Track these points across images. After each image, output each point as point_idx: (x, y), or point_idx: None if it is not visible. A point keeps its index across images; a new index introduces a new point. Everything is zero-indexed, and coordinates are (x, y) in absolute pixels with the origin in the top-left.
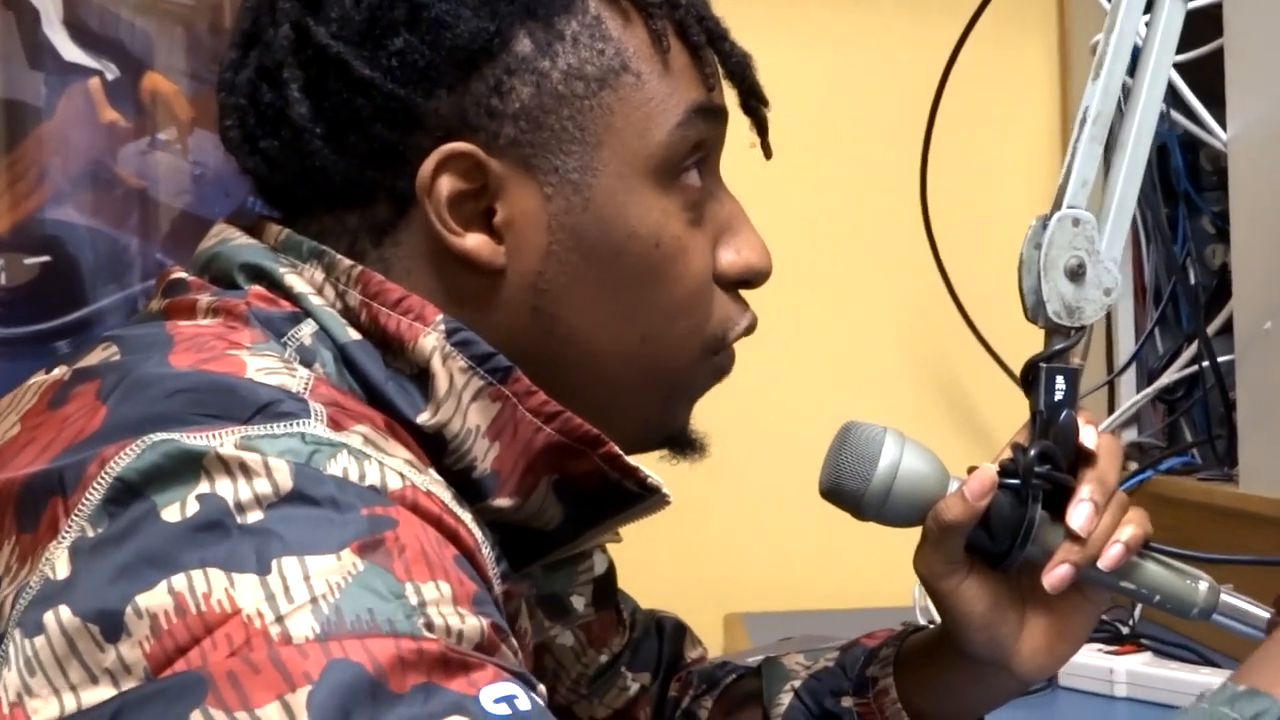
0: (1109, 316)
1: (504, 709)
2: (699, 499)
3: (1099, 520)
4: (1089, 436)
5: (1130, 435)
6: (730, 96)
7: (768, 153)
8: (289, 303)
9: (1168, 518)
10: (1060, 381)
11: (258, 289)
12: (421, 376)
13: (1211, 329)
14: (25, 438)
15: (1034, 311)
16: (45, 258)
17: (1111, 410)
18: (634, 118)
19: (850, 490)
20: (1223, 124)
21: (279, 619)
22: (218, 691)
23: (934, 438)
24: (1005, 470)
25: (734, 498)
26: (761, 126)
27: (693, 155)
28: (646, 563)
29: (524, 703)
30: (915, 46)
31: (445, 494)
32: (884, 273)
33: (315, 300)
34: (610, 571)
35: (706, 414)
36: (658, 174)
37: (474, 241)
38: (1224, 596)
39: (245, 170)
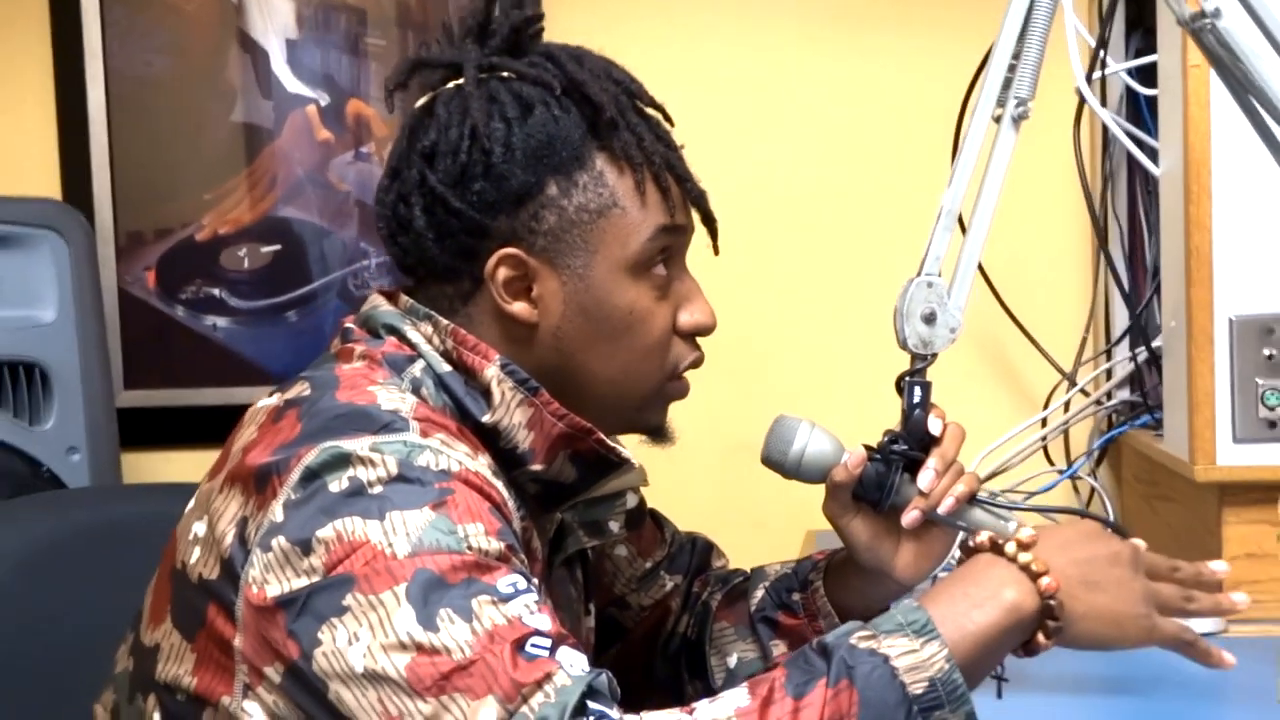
0: (1106, 293)
1: (512, 589)
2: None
3: (939, 481)
4: (934, 426)
5: (1123, 394)
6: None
7: (716, 251)
8: (409, 348)
9: (1144, 464)
10: (918, 390)
11: (392, 339)
12: (486, 393)
13: None
14: (260, 439)
15: (901, 343)
16: (277, 246)
17: (1109, 375)
18: (619, 235)
19: (775, 460)
20: None
21: (390, 545)
22: (359, 584)
23: (974, 395)
24: (879, 448)
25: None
26: (714, 236)
27: (660, 255)
28: (745, 487)
29: (522, 584)
30: (944, 57)
31: (487, 472)
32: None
33: (425, 347)
34: (640, 505)
35: (794, 359)
36: (633, 269)
37: (518, 307)
38: (1024, 531)
39: (389, 254)
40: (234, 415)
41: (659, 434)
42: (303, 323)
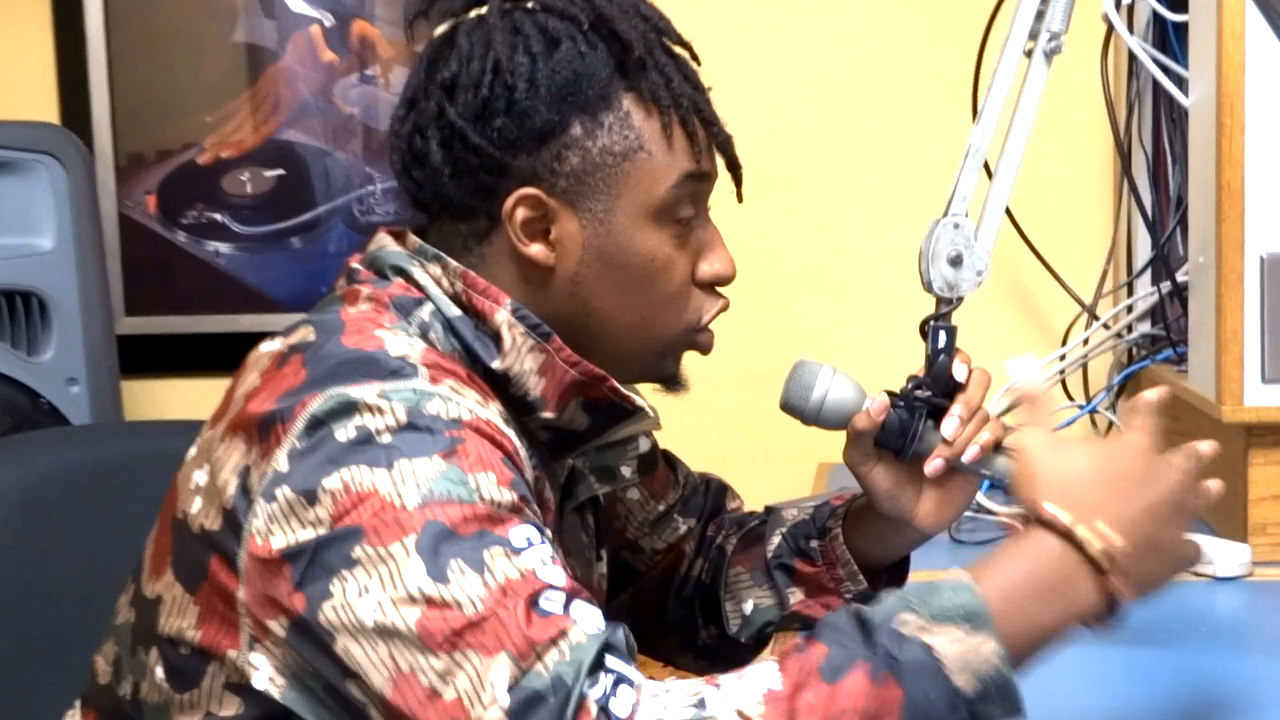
0: (1129, 224)
1: (525, 541)
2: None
3: (963, 429)
4: (960, 371)
5: (1144, 328)
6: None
7: (740, 198)
8: (417, 290)
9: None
10: (943, 335)
11: (399, 281)
12: (496, 337)
13: None
14: (263, 386)
15: (926, 286)
16: (280, 171)
17: (1130, 310)
18: (644, 180)
19: (795, 406)
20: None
21: (399, 495)
22: (368, 535)
23: (991, 328)
24: (902, 394)
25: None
26: (738, 183)
27: (684, 203)
28: (758, 422)
29: (536, 537)
30: None
31: (499, 420)
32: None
33: (434, 289)
34: (653, 448)
35: (803, 307)
36: (656, 216)
37: (535, 249)
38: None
39: (403, 188)
40: (236, 343)
41: (672, 383)
42: (306, 249)
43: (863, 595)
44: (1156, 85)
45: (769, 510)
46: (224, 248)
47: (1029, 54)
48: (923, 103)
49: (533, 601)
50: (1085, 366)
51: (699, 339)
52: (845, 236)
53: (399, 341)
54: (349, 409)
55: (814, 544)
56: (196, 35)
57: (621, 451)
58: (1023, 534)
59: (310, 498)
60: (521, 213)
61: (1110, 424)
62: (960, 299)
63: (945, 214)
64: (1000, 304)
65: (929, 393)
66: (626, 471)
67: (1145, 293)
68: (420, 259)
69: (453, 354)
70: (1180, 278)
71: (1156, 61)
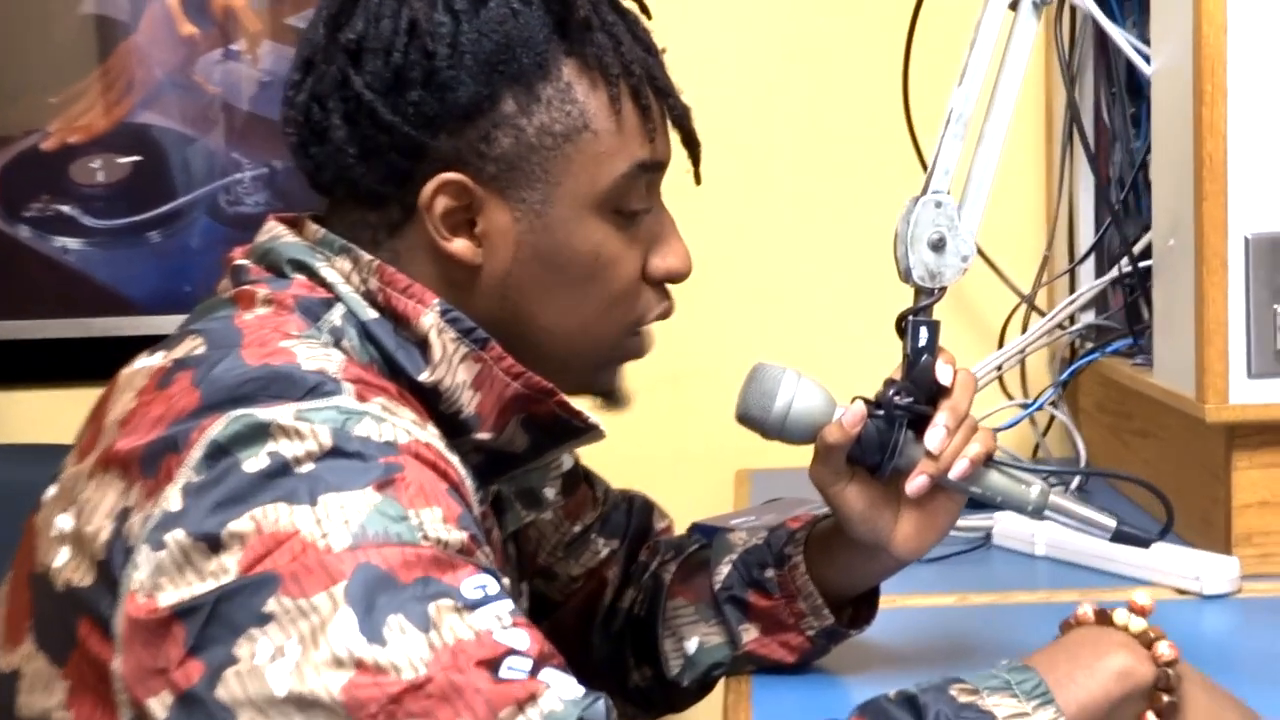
0: (1071, 209)
1: (479, 594)
2: (714, 368)
3: (949, 441)
4: (944, 374)
5: (1088, 318)
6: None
7: (698, 180)
8: (324, 290)
9: (1115, 394)
10: (924, 331)
11: (300, 279)
12: (422, 344)
13: None
14: (142, 411)
15: (904, 275)
16: (137, 157)
17: (1072, 293)
18: (587, 165)
19: (755, 418)
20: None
21: (324, 535)
22: (285, 585)
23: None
24: (878, 402)
25: (744, 366)
26: (696, 161)
27: (635, 192)
28: (669, 426)
29: (492, 586)
30: None
31: (439, 444)
32: (873, 179)
33: (344, 288)
34: (576, 466)
35: (725, 297)
36: (600, 207)
37: (459, 245)
38: (1051, 498)
39: (299, 168)
40: (88, 349)
41: (612, 397)
42: (166, 244)
43: (827, 632)
44: (1100, 53)
45: (701, 530)
46: (73, 243)
47: (1014, 6)
48: (853, 75)
49: (491, 668)
50: (1023, 363)
51: (632, 343)
52: (772, 214)
53: (312, 352)
54: (259, 433)
55: (770, 574)
56: (38, 6)
57: (545, 472)
58: None
59: (212, 543)
60: (442, 202)
61: (1050, 420)
62: (943, 289)
63: (924, 190)
64: (864, 300)
65: (910, 399)
66: (550, 494)
67: (1096, 282)
68: (325, 251)
69: (370, 365)
70: (1136, 264)
71: (1099, 25)
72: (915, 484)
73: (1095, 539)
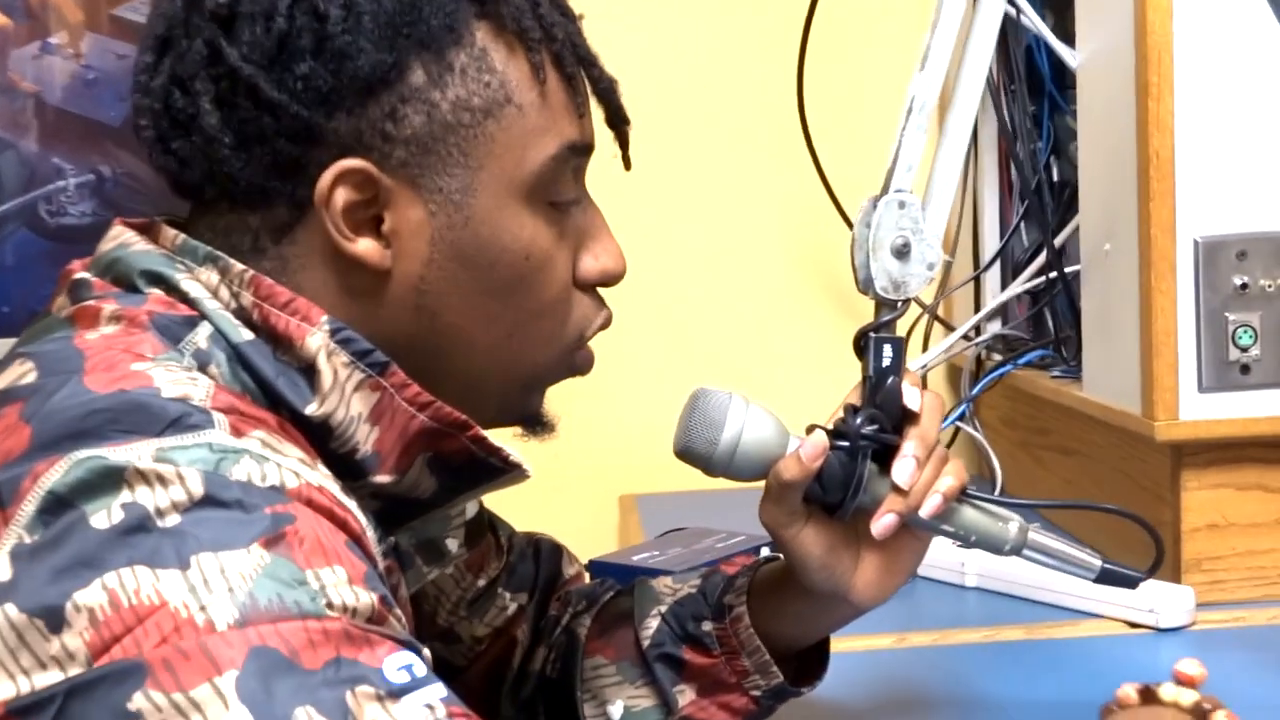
0: (975, 213)
1: (404, 676)
2: (595, 386)
3: (920, 474)
4: (912, 398)
5: (994, 328)
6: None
7: (628, 165)
8: (186, 306)
9: (1027, 408)
10: (887, 349)
11: (156, 294)
12: (309, 370)
13: (1070, 227)
14: None
15: (864, 285)
16: None
17: (978, 305)
18: (513, 146)
19: (700, 453)
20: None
21: (202, 608)
22: (155, 676)
23: (817, 328)
24: (838, 431)
25: (628, 384)
26: (624, 143)
27: (564, 178)
28: (546, 447)
29: (419, 667)
30: None
31: (334, 487)
32: (765, 176)
33: (210, 304)
34: (480, 513)
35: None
36: (530, 196)
37: (363, 246)
38: (1031, 535)
39: (158, 167)
40: None
41: (537, 423)
42: None
43: (774, 692)
44: (999, 45)
45: (606, 571)
46: None
47: None
48: (747, 72)
49: None
50: (924, 377)
51: (577, 359)
52: (658, 217)
53: (174, 377)
54: (109, 480)
55: (708, 627)
56: None
57: (446, 520)
58: None
59: (52, 619)
60: (342, 195)
61: (956, 432)
62: (907, 302)
63: (886, 189)
64: (818, 309)
65: (876, 426)
66: (453, 545)
67: (1013, 288)
68: (186, 261)
69: (244, 396)
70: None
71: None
72: (882, 524)
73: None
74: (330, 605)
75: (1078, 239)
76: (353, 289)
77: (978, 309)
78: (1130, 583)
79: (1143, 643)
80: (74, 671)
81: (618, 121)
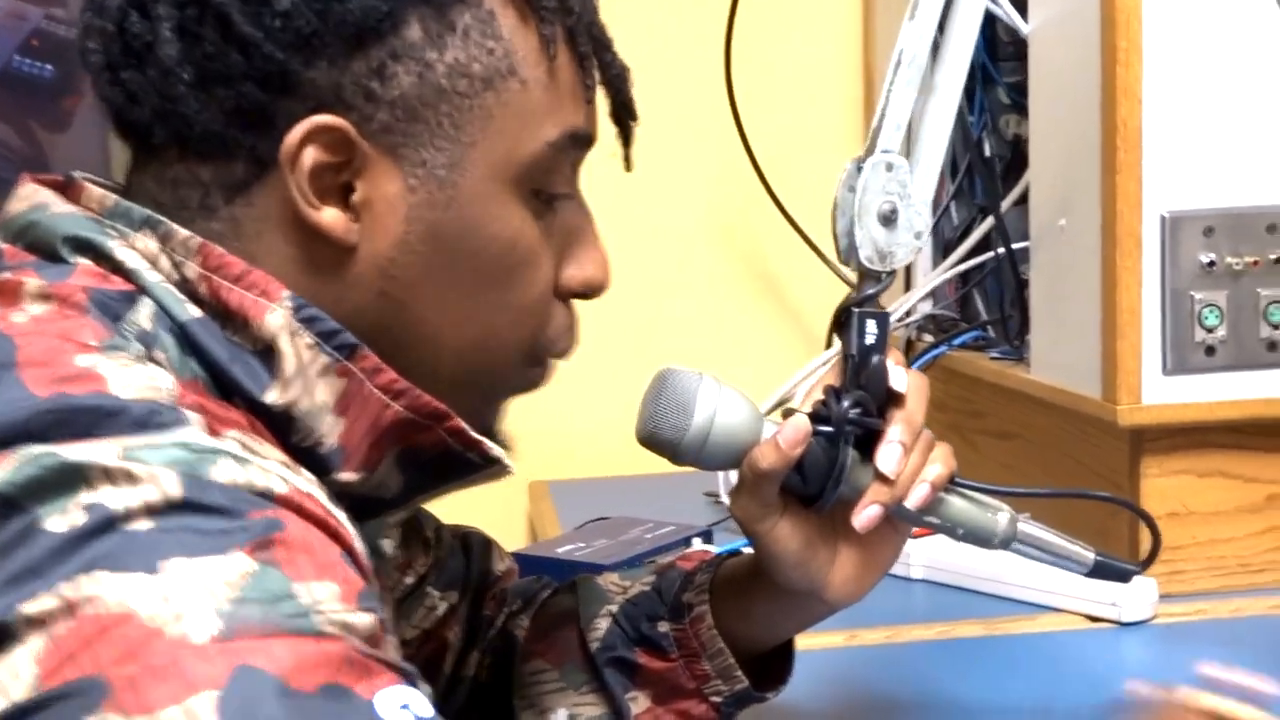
0: None
1: (400, 713)
2: None
3: (906, 461)
4: (898, 379)
5: (926, 308)
6: None
7: (629, 165)
8: (121, 279)
9: (960, 390)
10: (871, 325)
11: (85, 264)
12: (266, 353)
13: (1006, 203)
14: None
15: (846, 255)
16: None
17: (908, 285)
18: (512, 125)
19: (667, 439)
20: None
21: (177, 618)
22: (116, 696)
23: (749, 320)
24: (818, 415)
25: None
26: (627, 141)
27: (562, 170)
28: None
29: (421, 704)
30: None
31: (321, 494)
32: (695, 162)
33: (150, 276)
34: (416, 512)
35: None
36: (523, 183)
37: (329, 216)
38: (1021, 527)
39: (103, 98)
40: None
41: (493, 438)
42: None
43: (737, 697)
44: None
45: (535, 566)
46: None
47: None
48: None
49: None
50: None
51: (535, 375)
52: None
53: (128, 373)
54: (68, 478)
55: (665, 628)
56: None
57: (380, 521)
58: None
59: (1, 637)
60: (312, 155)
61: None
62: (893, 274)
63: (871, 149)
64: (747, 291)
65: (860, 409)
66: (389, 546)
67: (962, 266)
68: (118, 225)
69: (195, 382)
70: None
71: None
72: (866, 516)
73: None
74: (327, 624)
75: (1016, 215)
76: (310, 264)
77: (907, 288)
78: (1124, 576)
79: (1105, 637)
80: (19, 696)
81: (625, 115)
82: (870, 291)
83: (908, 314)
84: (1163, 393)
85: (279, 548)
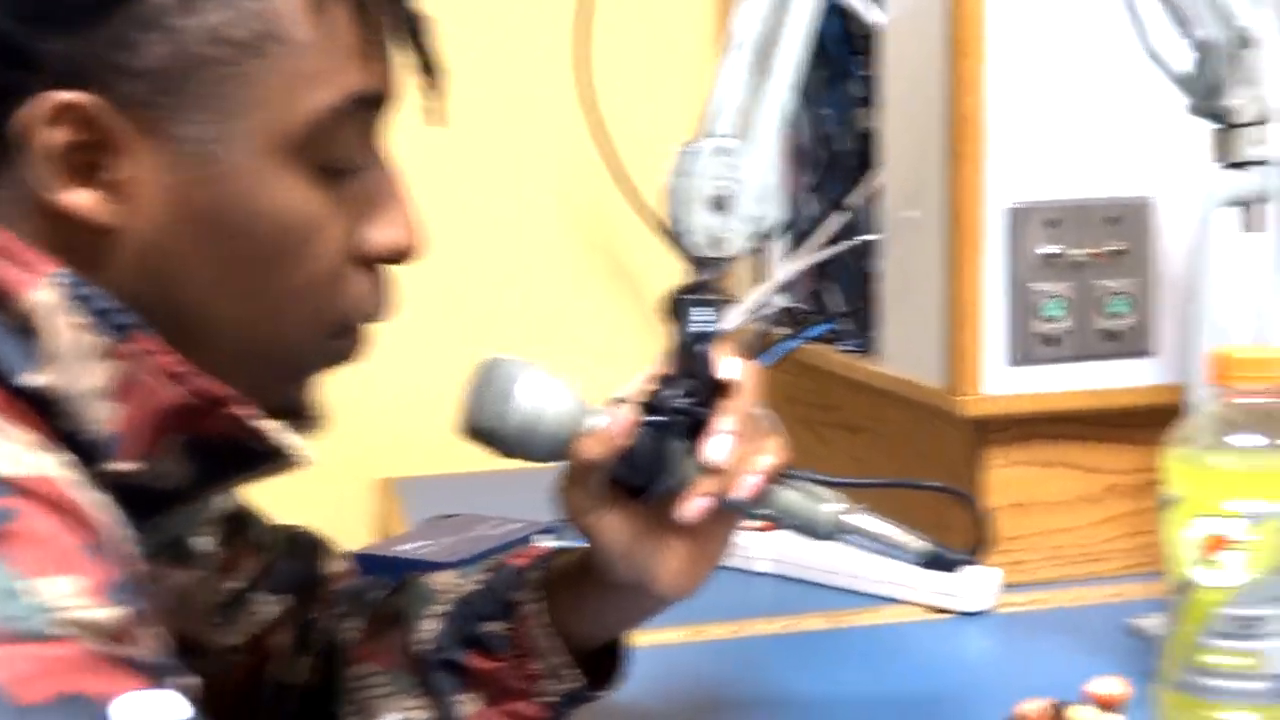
0: None
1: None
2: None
3: (735, 452)
4: (726, 368)
5: (780, 300)
6: None
7: (440, 119)
8: None
9: (811, 383)
10: (701, 314)
11: None
12: (26, 331)
13: (860, 196)
14: None
15: (676, 242)
16: None
17: (763, 278)
18: (280, 92)
19: (487, 430)
20: None
21: None
22: None
23: (602, 311)
24: (646, 404)
25: (385, 357)
26: (436, 95)
27: (346, 138)
28: None
29: (170, 710)
30: None
31: (70, 477)
32: (544, 149)
33: None
34: (237, 506)
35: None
36: (298, 154)
37: (83, 198)
38: (848, 518)
39: None
40: None
41: (302, 416)
42: None
43: (570, 696)
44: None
45: (373, 565)
46: None
47: None
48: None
49: None
50: None
51: (342, 347)
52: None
53: None
54: None
55: (495, 627)
56: None
57: (190, 514)
58: None
59: None
60: (59, 135)
61: None
62: (726, 260)
63: (701, 134)
64: (601, 281)
65: (690, 399)
66: (203, 544)
67: (816, 257)
68: None
69: None
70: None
71: None
72: (694, 506)
73: (822, 551)
74: (60, 624)
75: (868, 208)
76: (66, 245)
77: (762, 281)
78: (953, 566)
79: (947, 628)
80: None
81: (426, 68)
82: (702, 279)
83: (762, 307)
84: (1005, 384)
85: (5, 540)
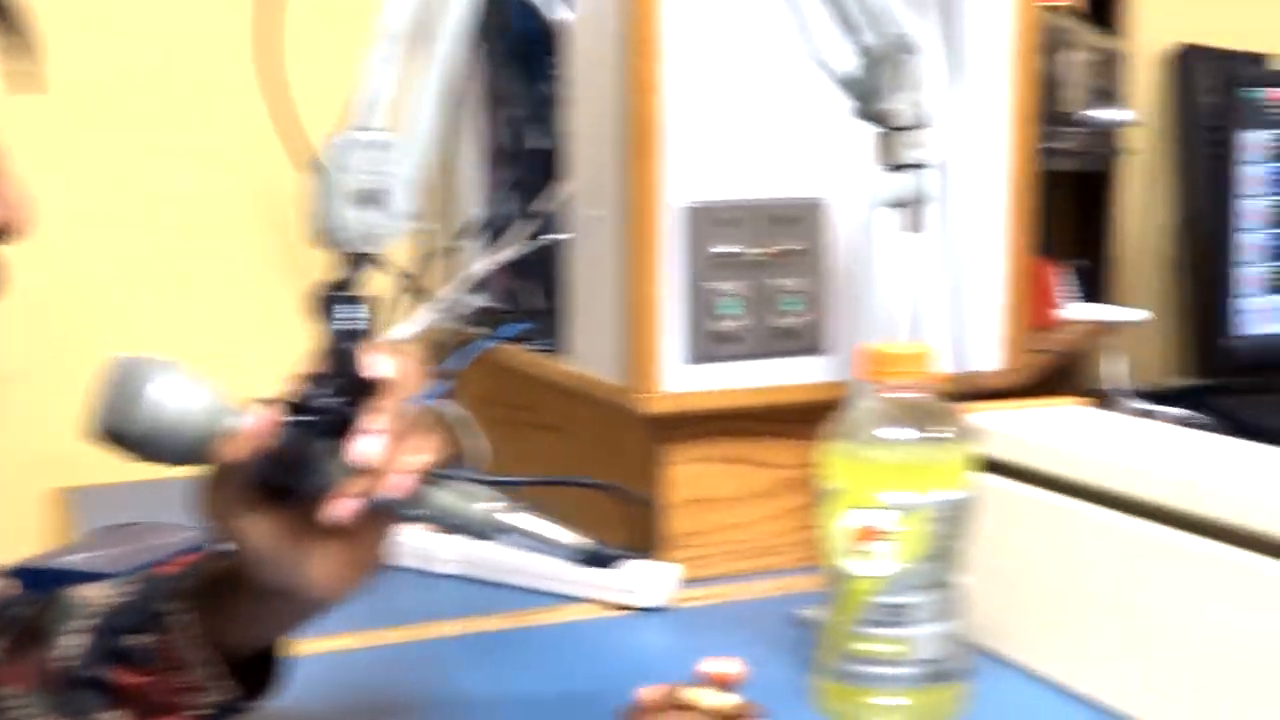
0: (455, 178)
1: None
2: (20, 368)
3: (381, 451)
4: (375, 366)
5: (477, 300)
6: None
7: (41, 87)
8: None
9: (507, 383)
10: (348, 310)
11: None
12: None
13: (551, 196)
14: None
15: (322, 237)
16: None
17: (454, 276)
18: None
19: (115, 432)
20: None
21: None
22: None
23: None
24: (291, 403)
25: (48, 360)
26: (31, 60)
27: None
28: None
29: None
30: None
31: None
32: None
33: None
34: None
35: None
36: None
37: None
38: (505, 518)
39: None
40: None
41: None
42: None
43: (224, 708)
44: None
45: (30, 579)
46: None
47: None
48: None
49: None
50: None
51: None
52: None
53: None
54: None
55: (144, 639)
56: None
57: None
58: None
59: None
60: None
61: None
62: (374, 257)
63: (350, 127)
64: (285, 282)
65: (338, 398)
66: None
67: (506, 255)
68: None
69: None
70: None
71: None
72: (342, 507)
73: (507, 551)
74: None
75: (565, 207)
76: None
77: (454, 280)
78: (608, 561)
79: (625, 624)
80: None
81: (14, 32)
82: (346, 275)
83: (456, 306)
84: (684, 381)
85: None
